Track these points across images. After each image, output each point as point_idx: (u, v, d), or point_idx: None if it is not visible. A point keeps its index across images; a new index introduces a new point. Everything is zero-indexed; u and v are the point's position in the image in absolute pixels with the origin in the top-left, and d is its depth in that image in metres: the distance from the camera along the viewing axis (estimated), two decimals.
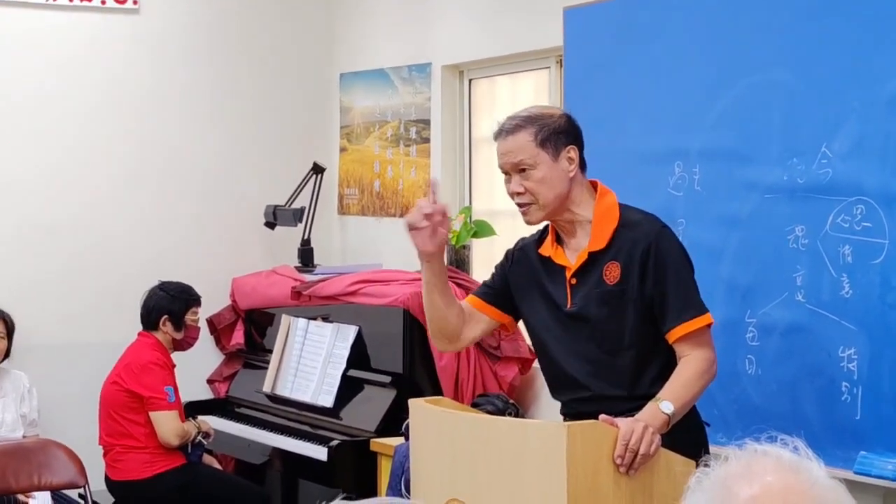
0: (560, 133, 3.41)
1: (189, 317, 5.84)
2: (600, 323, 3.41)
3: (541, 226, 3.61)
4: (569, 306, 3.46)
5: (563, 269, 3.48)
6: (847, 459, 3.90)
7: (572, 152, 3.42)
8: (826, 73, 3.98)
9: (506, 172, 3.47)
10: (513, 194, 3.47)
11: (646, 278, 3.36)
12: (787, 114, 4.11)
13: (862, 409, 3.87)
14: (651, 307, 3.37)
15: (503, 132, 3.44)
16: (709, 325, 3.38)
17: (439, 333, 3.64)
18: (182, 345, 5.86)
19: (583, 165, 3.48)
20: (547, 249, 3.53)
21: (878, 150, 3.82)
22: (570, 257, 3.48)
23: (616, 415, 3.24)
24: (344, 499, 1.56)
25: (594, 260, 3.42)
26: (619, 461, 3.03)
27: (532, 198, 3.43)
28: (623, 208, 3.46)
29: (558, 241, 3.53)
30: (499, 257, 6.11)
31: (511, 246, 3.72)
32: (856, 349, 3.88)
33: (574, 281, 3.45)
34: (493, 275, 3.71)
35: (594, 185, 3.51)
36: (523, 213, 3.48)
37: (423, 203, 3.42)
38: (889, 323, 3.78)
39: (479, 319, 3.66)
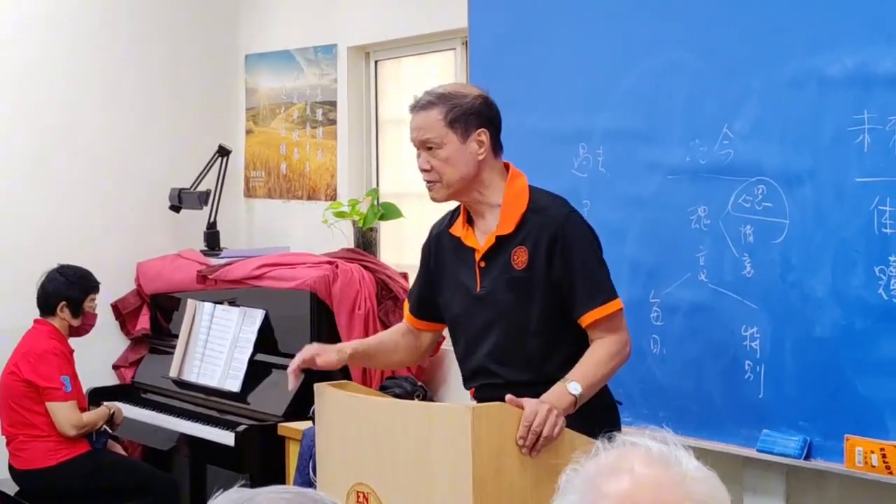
0: (472, 114, 3.38)
1: (87, 303, 5.76)
2: (507, 308, 3.39)
3: (451, 205, 3.61)
4: (478, 289, 3.44)
5: (472, 251, 3.46)
6: (750, 437, 3.95)
7: (483, 135, 3.39)
8: (727, 54, 4.01)
9: (416, 147, 3.45)
10: (421, 170, 3.45)
11: (553, 264, 3.34)
12: (688, 95, 4.13)
13: (764, 387, 3.91)
14: (559, 293, 3.36)
15: (416, 107, 3.42)
16: (620, 311, 3.38)
17: (403, 366, 4.00)
18: (79, 331, 5.78)
19: (496, 149, 3.45)
20: (458, 230, 3.51)
21: (778, 130, 3.85)
22: (480, 239, 3.45)
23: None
24: (243, 485, 1.54)
25: (502, 244, 3.40)
26: (520, 442, 3.04)
27: (437, 175, 3.41)
28: (533, 192, 3.44)
29: (469, 221, 3.51)
30: (406, 239, 6.17)
31: (425, 238, 3.70)
32: (758, 328, 3.92)
33: (483, 264, 3.43)
34: (417, 280, 3.70)
35: (507, 168, 3.49)
36: (429, 190, 3.47)
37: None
38: (790, 302, 3.82)
39: (419, 332, 3.70)
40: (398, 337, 3.73)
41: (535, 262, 3.36)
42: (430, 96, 3.42)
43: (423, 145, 3.41)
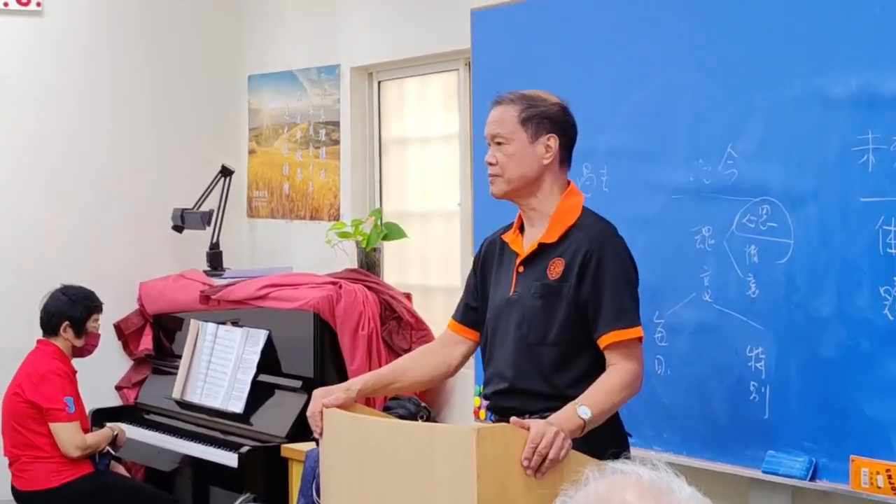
0: (545, 118, 3.45)
1: (90, 324, 5.74)
2: (531, 314, 3.42)
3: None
4: (511, 293, 3.48)
5: (515, 255, 3.51)
6: (755, 458, 3.93)
7: (552, 141, 3.44)
8: (731, 74, 4.01)
9: (488, 142, 3.52)
10: (486, 163, 3.51)
11: (583, 281, 3.37)
12: (692, 115, 4.13)
13: (770, 408, 3.90)
14: (584, 311, 3.38)
15: (497, 102, 3.51)
16: (639, 339, 3.38)
17: (427, 386, 3.87)
18: (82, 352, 5.75)
19: (564, 160, 3.50)
20: (509, 236, 3.57)
21: (782, 150, 3.85)
22: (525, 245, 3.50)
23: (532, 412, 3.24)
24: (250, 500, 1.52)
25: (543, 252, 3.44)
26: (526, 463, 3.02)
27: (500, 170, 3.47)
28: (585, 211, 3.49)
29: (521, 229, 3.56)
30: (410, 259, 6.17)
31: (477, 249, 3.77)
32: (763, 348, 3.91)
33: (521, 269, 3.48)
34: (464, 289, 3.73)
35: (569, 185, 3.53)
36: (490, 184, 3.53)
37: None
38: (795, 322, 3.81)
39: (458, 341, 3.69)
40: (418, 357, 3.73)
41: (568, 276, 3.39)
42: (511, 94, 3.50)
43: (493, 139, 3.48)
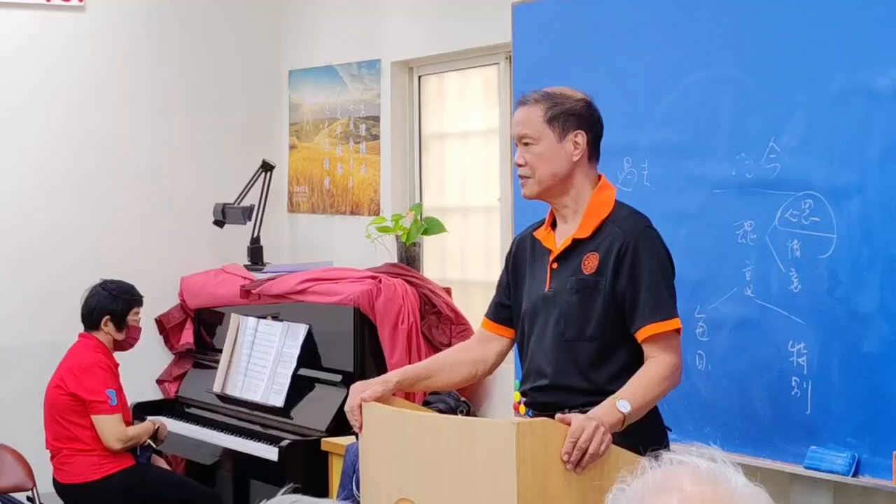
0: (571, 115, 3.44)
1: (131, 317, 5.76)
2: (568, 310, 3.41)
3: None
4: (546, 289, 3.47)
5: (548, 252, 3.50)
6: (797, 454, 3.91)
7: (579, 137, 3.43)
8: (773, 68, 3.98)
9: (515, 143, 3.51)
10: (516, 164, 3.51)
11: (619, 275, 3.36)
12: (734, 109, 4.11)
13: (812, 403, 3.87)
14: (620, 304, 3.37)
15: (521, 102, 3.50)
16: (677, 331, 3.36)
17: (465, 384, 3.78)
18: (123, 345, 5.78)
19: (593, 155, 3.50)
20: (541, 233, 3.56)
21: (825, 144, 3.83)
22: (558, 242, 3.50)
23: (572, 407, 3.23)
24: (291, 491, 1.53)
25: (576, 247, 3.43)
26: (566, 458, 3.01)
27: (530, 171, 3.46)
28: (618, 204, 3.48)
29: (553, 225, 3.55)
30: (449, 254, 6.17)
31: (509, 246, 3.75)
32: (805, 344, 3.89)
33: (555, 265, 3.47)
34: (497, 287, 3.73)
35: (600, 178, 3.52)
36: (522, 186, 3.52)
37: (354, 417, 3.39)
38: (838, 317, 3.79)
39: (492, 339, 3.69)
40: (455, 353, 3.73)
41: (603, 270, 3.38)
42: (535, 94, 3.49)
43: (521, 140, 3.48)
